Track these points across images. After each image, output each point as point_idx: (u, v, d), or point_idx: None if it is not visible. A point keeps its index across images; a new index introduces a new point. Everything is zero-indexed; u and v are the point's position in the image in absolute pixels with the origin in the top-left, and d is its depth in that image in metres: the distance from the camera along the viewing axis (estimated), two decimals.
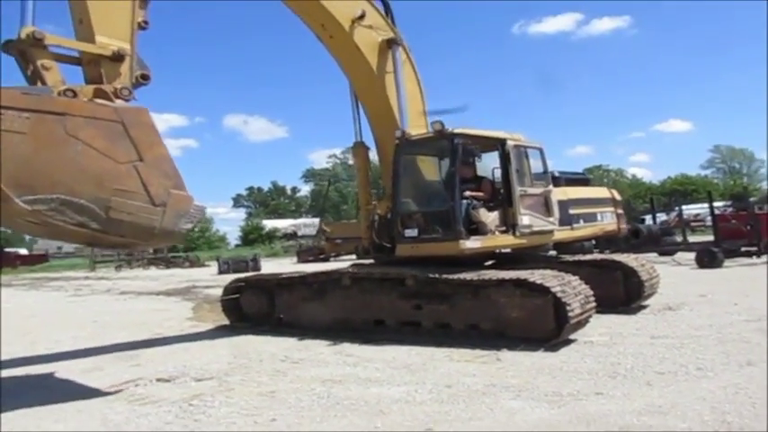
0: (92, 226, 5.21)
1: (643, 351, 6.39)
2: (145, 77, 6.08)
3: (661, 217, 27.50)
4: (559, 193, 9.37)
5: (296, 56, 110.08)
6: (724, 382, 5.07)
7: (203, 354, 7.61)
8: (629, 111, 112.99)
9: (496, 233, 8.30)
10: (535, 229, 8.57)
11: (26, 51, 5.52)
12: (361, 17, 8.98)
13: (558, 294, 6.63)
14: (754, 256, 17.17)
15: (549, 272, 7.20)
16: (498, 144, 8.50)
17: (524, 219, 8.39)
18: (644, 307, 9.32)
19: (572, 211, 9.63)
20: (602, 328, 7.63)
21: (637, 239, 18.69)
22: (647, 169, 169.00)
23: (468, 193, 8.34)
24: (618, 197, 11.22)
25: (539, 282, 6.78)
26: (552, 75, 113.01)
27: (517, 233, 8.32)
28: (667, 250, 19.60)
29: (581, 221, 9.85)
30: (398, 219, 8.48)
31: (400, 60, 9.28)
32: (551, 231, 8.98)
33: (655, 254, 19.43)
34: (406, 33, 9.57)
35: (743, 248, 17.42)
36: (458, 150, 8.01)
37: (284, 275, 9.23)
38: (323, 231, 36.98)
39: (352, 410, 4.86)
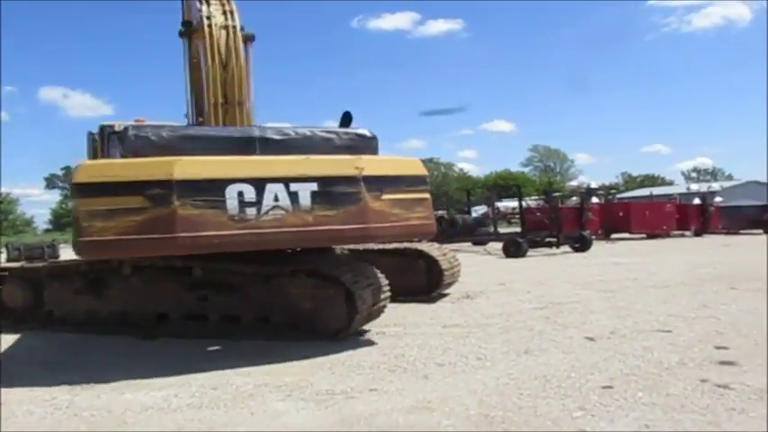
0: None
1: (430, 342, 6.30)
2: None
3: (482, 209, 29.11)
4: None
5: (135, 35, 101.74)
6: (498, 373, 5.05)
7: None
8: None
9: None
10: None
11: None
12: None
13: (348, 285, 6.34)
14: (554, 247, 18.57)
15: (344, 262, 6.90)
16: None
17: None
18: (445, 295, 9.44)
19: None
20: (399, 318, 7.53)
21: (453, 229, 19.45)
22: (474, 164, 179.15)
23: None
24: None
25: (330, 272, 6.44)
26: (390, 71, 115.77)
27: None
28: (480, 240, 20.66)
29: None
30: None
31: (184, 50, 8.89)
32: None
33: (469, 243, 20.36)
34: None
35: (546, 239, 18.79)
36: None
37: (54, 264, 8.06)
38: None
39: (88, 423, 4.12)
